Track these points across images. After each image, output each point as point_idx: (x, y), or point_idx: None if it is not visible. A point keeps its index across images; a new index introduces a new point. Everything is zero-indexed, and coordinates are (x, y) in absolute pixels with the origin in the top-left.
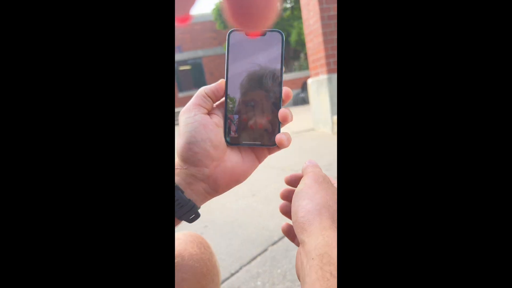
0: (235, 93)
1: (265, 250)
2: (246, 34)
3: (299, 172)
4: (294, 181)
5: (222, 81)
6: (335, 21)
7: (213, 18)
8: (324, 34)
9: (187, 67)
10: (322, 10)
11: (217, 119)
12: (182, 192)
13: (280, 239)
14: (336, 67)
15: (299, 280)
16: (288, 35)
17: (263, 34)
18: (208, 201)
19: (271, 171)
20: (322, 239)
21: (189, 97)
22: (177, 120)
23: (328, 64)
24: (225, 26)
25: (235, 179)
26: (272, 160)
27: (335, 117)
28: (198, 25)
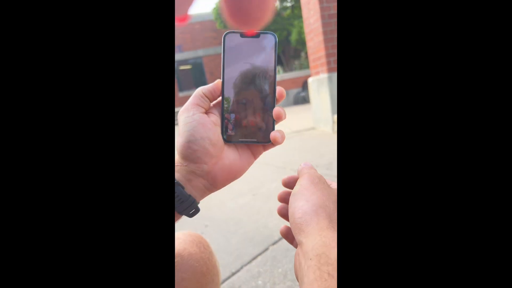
0: (231, 93)
1: (266, 249)
2: (243, 33)
3: None
4: (291, 183)
5: (218, 81)
6: (336, 20)
7: (213, 17)
8: (325, 33)
9: (188, 67)
10: (322, 9)
11: (215, 118)
12: (183, 188)
13: (280, 238)
14: (336, 66)
15: (298, 281)
16: (289, 34)
17: (257, 36)
18: (209, 200)
19: (271, 169)
20: (320, 239)
21: (189, 97)
22: (177, 119)
23: (328, 63)
24: (225, 25)
25: (233, 175)
26: (273, 159)
27: (336, 116)
28: (198, 24)
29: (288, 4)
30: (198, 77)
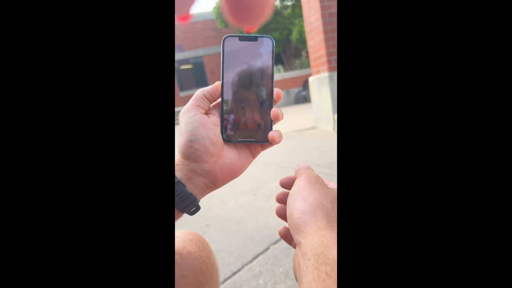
0: (230, 95)
1: (267, 248)
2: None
3: None
4: (289, 184)
5: (218, 83)
6: (336, 18)
7: (214, 16)
8: (325, 31)
9: (189, 66)
10: (323, 7)
11: (214, 119)
12: (184, 186)
13: None
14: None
15: (297, 281)
16: (289, 33)
17: (255, 40)
18: (210, 200)
19: (272, 169)
20: (318, 239)
21: (190, 96)
22: (177, 119)
23: (329, 62)
24: (226, 24)
25: (232, 174)
26: (274, 158)
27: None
28: (199, 24)
29: (289, 3)
30: (199, 77)
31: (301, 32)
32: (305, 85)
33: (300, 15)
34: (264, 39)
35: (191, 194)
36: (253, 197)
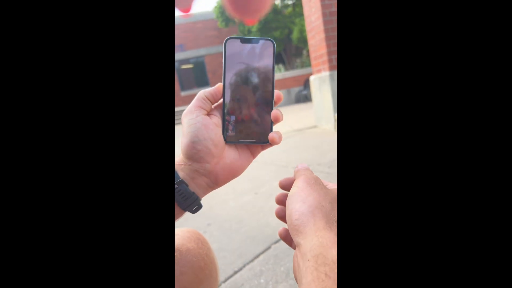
0: (232, 96)
1: (268, 248)
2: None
3: None
4: (288, 185)
5: (219, 85)
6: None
7: (215, 16)
8: (326, 30)
9: (189, 66)
10: (323, 6)
11: (216, 120)
12: (187, 185)
13: None
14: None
15: (297, 282)
16: (290, 32)
17: (257, 42)
18: (212, 199)
19: (273, 168)
20: (317, 240)
21: (191, 96)
22: (177, 119)
23: (330, 60)
24: (226, 24)
25: (233, 173)
26: (275, 157)
27: None
28: (200, 23)
29: (290, 2)
30: (200, 76)
31: (302, 31)
32: (306, 84)
33: (301, 14)
34: (265, 41)
35: (193, 193)
36: (254, 197)
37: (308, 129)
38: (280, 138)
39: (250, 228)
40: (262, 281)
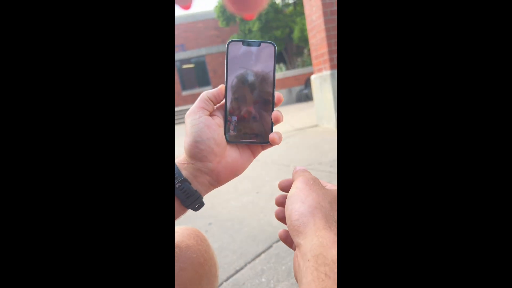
0: (234, 97)
1: (270, 247)
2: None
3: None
4: (287, 187)
5: (222, 86)
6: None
7: (216, 15)
8: (327, 29)
9: (191, 66)
10: (324, 5)
11: (218, 120)
12: (189, 184)
13: None
14: None
15: (297, 282)
16: (291, 31)
17: (258, 45)
18: (213, 199)
19: (275, 168)
20: (317, 240)
21: (192, 95)
22: (179, 119)
23: (331, 60)
24: (227, 23)
25: (234, 172)
26: (276, 157)
27: None
28: (201, 23)
29: (290, 1)
30: (201, 76)
31: (303, 30)
32: (307, 83)
33: (301, 13)
34: (267, 44)
35: (196, 191)
36: (255, 196)
37: (309, 128)
38: (280, 138)
39: (252, 227)
40: (263, 280)
